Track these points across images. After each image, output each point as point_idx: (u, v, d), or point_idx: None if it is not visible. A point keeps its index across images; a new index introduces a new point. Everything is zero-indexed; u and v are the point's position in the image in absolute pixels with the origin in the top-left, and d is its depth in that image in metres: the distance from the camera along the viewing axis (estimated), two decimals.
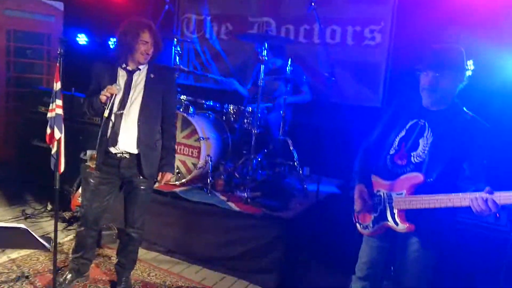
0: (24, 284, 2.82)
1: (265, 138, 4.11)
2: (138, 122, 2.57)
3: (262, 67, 3.52)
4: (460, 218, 2.83)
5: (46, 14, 5.72)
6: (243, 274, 3.24)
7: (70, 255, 2.94)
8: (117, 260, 2.91)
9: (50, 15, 5.73)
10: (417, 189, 2.03)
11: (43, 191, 4.28)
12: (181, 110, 3.83)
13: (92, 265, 2.98)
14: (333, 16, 4.53)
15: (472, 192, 1.82)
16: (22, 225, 1.80)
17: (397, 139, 2.19)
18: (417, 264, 2.13)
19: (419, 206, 1.99)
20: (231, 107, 4.04)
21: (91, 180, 2.69)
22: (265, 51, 3.52)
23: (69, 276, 2.80)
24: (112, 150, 2.58)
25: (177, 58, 4.22)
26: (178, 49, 4.23)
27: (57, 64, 2.36)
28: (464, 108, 2.10)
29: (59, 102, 2.35)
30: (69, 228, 3.78)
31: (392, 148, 2.19)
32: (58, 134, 2.34)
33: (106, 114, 2.44)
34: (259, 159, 3.85)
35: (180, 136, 3.66)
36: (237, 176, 3.92)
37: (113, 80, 2.52)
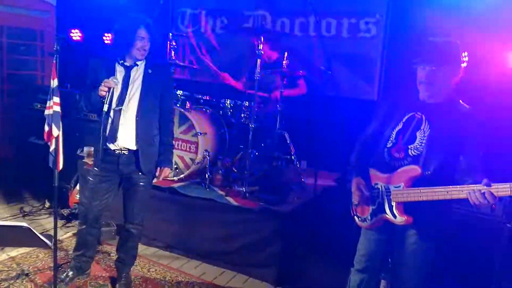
0: (24, 282, 2.83)
1: (262, 132, 4.11)
2: (136, 117, 2.57)
3: (259, 61, 3.51)
4: (456, 209, 2.86)
5: (39, 10, 5.65)
6: (242, 268, 3.27)
7: (70, 253, 2.95)
8: (117, 256, 2.92)
9: (43, 10, 5.66)
10: (415, 182, 2.05)
11: (41, 189, 4.28)
12: (178, 105, 3.83)
13: (93, 261, 2.99)
14: (328, 8, 4.52)
15: (470, 185, 1.84)
16: (24, 224, 1.81)
17: (394, 132, 2.20)
18: (415, 256, 2.15)
19: (417, 198, 2.01)
20: (228, 102, 4.04)
21: (90, 178, 2.68)
22: (261, 45, 3.51)
23: (70, 273, 2.81)
24: (111, 146, 2.57)
25: (172, 52, 4.20)
26: (173, 43, 4.21)
27: (54, 61, 2.34)
28: (460, 101, 2.12)
29: (56, 99, 2.33)
30: (67, 225, 3.79)
31: (389, 141, 2.21)
32: (56, 131, 2.33)
33: (105, 108, 2.43)
34: (257, 153, 3.86)
35: (177, 131, 3.66)
36: (235, 170, 3.93)
37: (111, 75, 2.51)
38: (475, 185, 1.82)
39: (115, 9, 4.73)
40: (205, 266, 3.34)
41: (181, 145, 3.74)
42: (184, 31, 5.35)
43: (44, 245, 2.07)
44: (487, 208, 2.81)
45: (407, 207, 2.08)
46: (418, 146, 2.10)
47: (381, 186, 2.18)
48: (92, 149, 2.73)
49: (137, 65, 2.59)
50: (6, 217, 3.90)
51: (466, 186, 1.85)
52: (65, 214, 3.89)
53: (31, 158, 4.50)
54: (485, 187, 1.79)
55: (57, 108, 2.35)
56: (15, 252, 3.19)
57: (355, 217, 2.33)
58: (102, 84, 2.42)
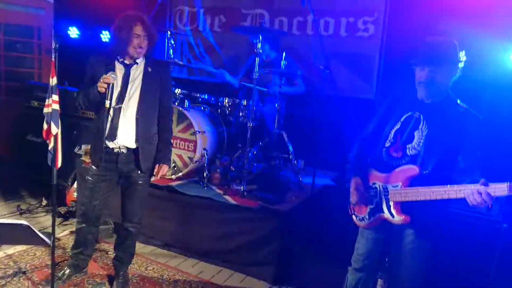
0: (21, 280, 2.82)
1: (260, 131, 4.12)
2: (136, 115, 2.56)
3: (257, 59, 3.51)
4: (454, 209, 2.88)
5: (36, 7, 5.63)
6: (240, 267, 3.27)
7: (68, 251, 2.94)
8: (114, 254, 2.91)
9: (40, 8, 5.64)
10: (413, 181, 2.06)
11: (38, 186, 4.27)
12: (176, 104, 3.82)
13: (90, 260, 2.99)
14: (326, 7, 4.52)
15: (467, 184, 1.85)
16: (23, 221, 1.81)
17: (393, 132, 2.21)
18: (412, 255, 2.16)
19: (415, 198, 2.02)
20: (226, 101, 4.04)
21: (89, 178, 2.68)
22: (260, 43, 3.51)
23: (67, 271, 2.81)
24: (110, 145, 2.57)
25: (171, 51, 4.19)
26: (172, 42, 4.21)
27: (53, 59, 2.34)
28: (458, 101, 2.13)
29: (55, 97, 2.33)
30: (64, 223, 3.78)
31: (387, 141, 2.22)
32: (55, 129, 2.33)
33: (107, 104, 2.42)
34: (255, 152, 3.87)
35: (175, 130, 3.65)
36: (233, 169, 3.93)
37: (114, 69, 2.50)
38: (472, 185, 1.83)
39: (113, 7, 4.71)
40: (202, 264, 3.34)
41: (179, 143, 3.74)
42: (182, 29, 5.34)
43: (43, 243, 2.06)
44: (484, 208, 2.82)
45: (404, 207, 2.09)
46: (416, 146, 2.11)
47: (379, 186, 2.19)
48: (90, 147, 2.71)
49: (137, 63, 2.59)
50: (4, 214, 3.89)
51: (463, 185, 1.86)
52: (62, 212, 3.89)
53: (28, 155, 4.49)
54: (482, 186, 1.80)
55: (56, 106, 2.34)
56: (12, 249, 3.18)
57: (353, 216, 2.34)
58: (101, 80, 2.41)
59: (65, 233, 3.59)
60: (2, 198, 4.24)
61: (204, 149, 3.70)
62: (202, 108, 4.14)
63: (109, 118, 2.52)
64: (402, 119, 2.19)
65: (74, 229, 3.10)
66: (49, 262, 2.91)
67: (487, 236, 2.81)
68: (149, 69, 2.60)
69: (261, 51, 3.53)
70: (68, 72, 3.73)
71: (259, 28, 3.67)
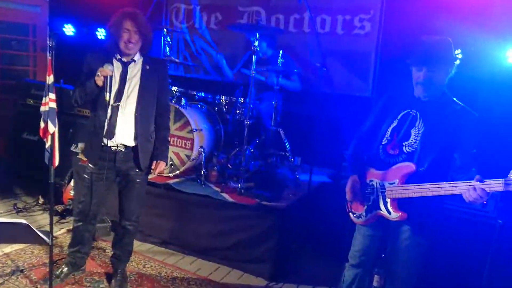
0: (19, 278, 2.82)
1: (257, 128, 4.13)
2: (135, 114, 2.56)
3: (254, 57, 3.51)
4: (449, 205, 2.90)
5: (31, 4, 5.60)
6: (238, 264, 3.29)
7: (65, 249, 2.94)
8: (112, 252, 2.92)
9: (35, 5, 5.61)
10: (409, 178, 2.08)
11: (34, 185, 4.26)
12: (173, 101, 3.82)
13: (88, 258, 2.99)
14: (323, 5, 4.53)
15: (463, 181, 1.86)
16: (23, 220, 1.81)
17: (389, 130, 2.23)
18: (408, 251, 2.19)
19: (411, 195, 2.04)
20: (223, 98, 4.04)
21: (86, 176, 2.67)
22: (256, 41, 3.51)
23: (65, 269, 2.81)
24: (108, 143, 2.55)
25: (167, 48, 4.19)
26: (168, 39, 4.20)
27: (49, 58, 2.33)
28: (454, 98, 2.15)
29: (52, 95, 2.32)
30: (61, 221, 3.77)
31: (384, 138, 2.23)
32: (52, 128, 2.32)
33: (107, 97, 2.40)
34: (252, 150, 3.87)
35: (173, 128, 3.65)
36: (230, 167, 3.93)
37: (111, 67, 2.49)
38: (468, 181, 1.85)
39: (108, 4, 4.69)
40: (200, 262, 3.35)
41: (176, 141, 3.74)
42: (178, 26, 5.33)
43: (42, 242, 2.07)
44: (479, 205, 2.85)
45: (401, 203, 2.11)
46: (412, 143, 2.13)
47: (376, 183, 2.20)
48: (86, 145, 2.71)
49: (134, 61, 2.58)
50: (0, 213, 3.88)
51: (459, 182, 1.88)
52: (59, 210, 3.88)
53: (24, 154, 4.47)
54: (478, 183, 1.82)
55: (53, 105, 2.34)
56: (9, 248, 3.18)
57: (350, 213, 2.35)
58: (98, 73, 2.39)
59: (62, 232, 3.58)
60: None
61: (201, 147, 3.70)
62: (199, 106, 4.14)
63: (108, 116, 2.50)
64: (399, 117, 2.21)
65: (71, 227, 3.10)
66: (46, 261, 2.92)
67: (482, 232, 2.84)
68: (147, 67, 2.60)
69: (258, 48, 3.53)
70: (64, 70, 3.70)
71: (255, 26, 3.67)
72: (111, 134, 2.53)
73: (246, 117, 3.60)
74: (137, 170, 2.64)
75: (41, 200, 4.10)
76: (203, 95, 4.15)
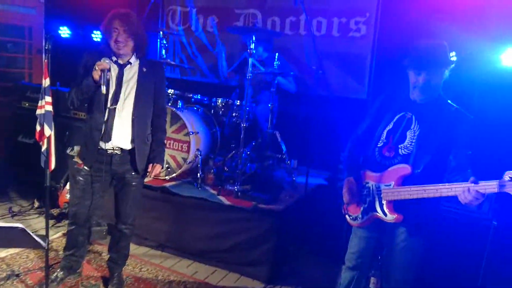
0: (15, 283, 2.80)
1: (253, 131, 4.13)
2: (132, 116, 2.55)
3: (250, 60, 3.52)
4: (445, 207, 2.92)
5: (27, 7, 5.58)
6: (235, 266, 3.28)
7: (60, 253, 2.92)
8: (108, 256, 2.90)
9: (30, 7, 5.59)
10: (405, 180, 2.09)
11: (29, 188, 4.24)
12: (170, 104, 3.82)
13: (84, 261, 2.98)
14: (319, 7, 4.55)
15: (458, 183, 1.88)
16: (19, 225, 1.80)
17: (385, 132, 2.24)
18: (404, 253, 2.20)
19: (407, 196, 2.05)
20: (219, 101, 4.05)
21: (80, 178, 2.65)
22: (253, 44, 3.52)
23: (60, 273, 2.79)
24: (104, 146, 2.55)
25: (163, 51, 4.19)
26: (164, 42, 4.20)
27: (45, 61, 2.32)
28: (449, 101, 2.16)
29: (48, 98, 2.32)
30: (57, 225, 3.75)
31: (380, 141, 2.25)
32: (48, 131, 2.32)
33: (103, 91, 2.39)
34: (248, 152, 3.88)
35: (169, 130, 3.65)
36: (227, 169, 3.94)
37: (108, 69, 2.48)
38: (463, 183, 1.86)
39: (104, 7, 4.68)
40: (197, 265, 3.34)
41: (173, 144, 3.73)
42: (174, 29, 5.33)
43: (38, 246, 2.05)
44: (474, 206, 2.86)
45: (397, 205, 2.12)
46: (408, 145, 2.14)
47: (372, 185, 2.21)
48: (81, 147, 2.70)
49: (130, 63, 2.58)
50: None
51: (454, 184, 1.89)
52: (55, 214, 3.86)
53: (19, 157, 4.45)
54: (472, 184, 1.83)
55: (49, 108, 2.33)
56: (4, 252, 3.16)
57: (346, 215, 2.36)
58: (95, 67, 2.38)
59: (58, 235, 3.56)
60: None
61: (198, 149, 3.70)
62: (195, 108, 4.14)
63: (104, 119, 2.49)
64: (395, 119, 2.22)
65: (66, 231, 3.08)
66: (42, 265, 2.90)
67: (477, 233, 2.86)
68: (144, 70, 2.59)
69: (254, 51, 3.54)
70: (60, 73, 3.70)
71: (252, 28, 3.68)
72: (108, 137, 2.52)
73: (242, 120, 3.60)
74: (133, 173, 2.64)
75: (36, 204, 4.07)
76: (199, 97, 4.15)
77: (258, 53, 4.20)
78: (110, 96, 2.50)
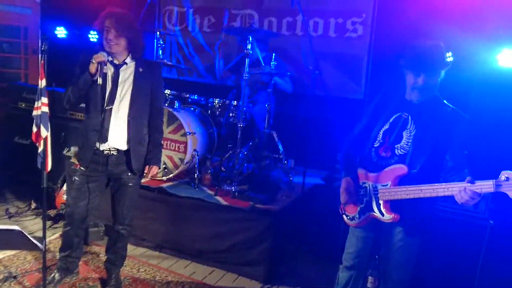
0: (12, 284, 2.79)
1: (250, 131, 4.13)
2: (128, 117, 2.55)
3: (247, 61, 3.52)
4: (442, 206, 2.93)
5: (22, 6, 5.56)
6: (232, 267, 3.29)
7: (57, 254, 2.92)
8: (106, 257, 2.90)
9: (26, 7, 5.57)
10: (402, 180, 2.10)
11: (26, 189, 4.23)
12: (166, 105, 3.82)
13: (81, 262, 2.97)
14: (315, 8, 4.56)
15: (455, 183, 1.89)
16: (16, 227, 1.80)
17: (381, 132, 2.25)
18: (401, 252, 2.21)
19: (404, 196, 2.06)
20: (216, 101, 4.04)
21: (76, 178, 2.65)
22: (249, 44, 3.52)
23: (57, 275, 2.78)
24: (100, 146, 2.55)
25: (160, 51, 4.18)
26: (161, 42, 4.19)
27: (42, 62, 2.31)
28: (445, 101, 2.18)
29: (44, 100, 2.31)
30: (54, 226, 3.74)
31: (376, 141, 2.25)
32: (45, 132, 2.31)
33: (100, 82, 2.39)
34: (245, 153, 3.87)
35: (166, 131, 3.64)
36: (224, 170, 3.94)
37: (101, 72, 2.47)
38: (460, 183, 1.87)
39: (101, 7, 4.67)
40: (194, 265, 3.34)
41: (170, 144, 3.73)
42: (171, 29, 5.33)
43: (35, 248, 2.05)
44: (471, 205, 2.88)
45: (394, 205, 2.13)
46: (404, 146, 2.15)
47: (369, 185, 2.22)
48: (78, 147, 2.69)
49: (126, 63, 2.57)
50: None
51: (451, 184, 1.91)
52: (52, 215, 3.85)
53: (15, 158, 4.44)
54: (469, 184, 1.84)
55: (46, 109, 2.33)
56: (1, 254, 3.14)
57: (344, 215, 2.37)
58: (92, 60, 2.38)
59: (55, 236, 3.55)
60: None
61: (195, 150, 3.70)
62: (192, 109, 4.13)
63: (100, 120, 2.49)
64: (391, 120, 2.23)
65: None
66: (39, 266, 2.90)
67: (474, 233, 2.87)
68: (140, 70, 2.59)
69: (251, 52, 3.54)
70: (56, 73, 3.69)
71: (248, 29, 3.69)
72: (104, 138, 2.52)
73: (239, 120, 3.60)
74: (129, 174, 2.64)
75: (33, 205, 4.06)
76: (196, 98, 4.15)
77: (255, 53, 4.20)
78: (106, 96, 2.49)
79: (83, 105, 2.62)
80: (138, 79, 2.57)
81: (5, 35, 5.47)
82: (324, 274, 3.15)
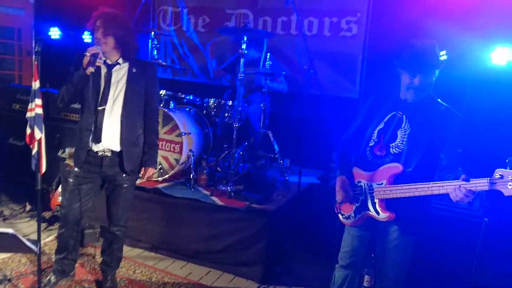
0: (7, 287, 2.78)
1: (246, 131, 4.13)
2: (121, 118, 2.54)
3: (242, 60, 3.52)
4: (437, 204, 2.94)
5: (16, 7, 5.53)
6: (229, 267, 3.28)
7: (53, 256, 2.90)
8: (102, 259, 2.89)
9: (20, 8, 5.54)
10: (397, 179, 2.10)
11: (20, 191, 4.20)
12: (162, 105, 3.81)
13: (77, 264, 2.95)
14: (310, 7, 4.56)
15: (450, 181, 1.89)
16: (10, 230, 1.79)
17: (376, 131, 2.25)
18: (397, 251, 2.21)
19: (399, 195, 2.06)
20: (211, 101, 4.04)
21: (71, 180, 2.64)
22: (245, 44, 3.52)
23: (53, 277, 2.76)
24: (94, 147, 2.54)
25: (155, 51, 4.17)
26: (156, 42, 4.18)
27: (35, 63, 2.31)
28: (439, 99, 2.18)
29: (38, 101, 2.30)
30: (49, 228, 3.72)
31: (371, 140, 2.26)
32: (39, 134, 2.30)
33: (92, 69, 2.38)
34: (241, 153, 3.87)
35: (161, 131, 3.64)
36: (220, 170, 3.93)
37: (96, 72, 2.48)
38: (454, 181, 1.88)
39: (94, 8, 4.65)
40: (191, 266, 3.34)
41: (165, 145, 3.72)
42: (166, 29, 5.31)
43: (29, 251, 2.04)
44: (465, 203, 2.89)
45: (389, 204, 2.14)
46: (399, 144, 2.16)
47: (364, 184, 2.22)
48: (73, 150, 2.68)
49: (119, 63, 2.56)
50: None
51: (446, 182, 1.91)
52: (47, 217, 3.82)
53: (10, 159, 4.41)
54: (464, 182, 1.84)
55: (39, 111, 2.31)
56: None
57: (339, 214, 2.37)
58: (86, 53, 2.38)
59: (50, 239, 3.53)
60: None
61: (190, 150, 3.69)
62: (187, 109, 4.12)
63: (93, 120, 2.49)
64: (386, 119, 2.24)
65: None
66: (34, 269, 2.88)
67: (469, 230, 2.89)
68: (134, 70, 2.58)
69: (245, 51, 3.54)
70: (50, 74, 3.67)
71: (243, 29, 3.68)
72: (97, 139, 2.51)
73: (234, 120, 3.60)
74: (124, 175, 2.63)
75: (28, 207, 4.04)
76: (191, 98, 4.14)
77: (250, 52, 4.20)
78: (99, 96, 2.48)
79: (78, 106, 2.61)
80: (131, 79, 2.57)
81: None
82: (321, 273, 3.15)
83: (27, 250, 1.99)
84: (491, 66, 3.39)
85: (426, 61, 2.06)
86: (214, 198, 3.41)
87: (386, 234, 2.23)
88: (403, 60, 2.11)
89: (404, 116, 2.18)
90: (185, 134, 3.65)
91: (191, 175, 3.64)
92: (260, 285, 3.16)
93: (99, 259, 3.05)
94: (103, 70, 2.54)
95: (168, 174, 3.71)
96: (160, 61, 4.14)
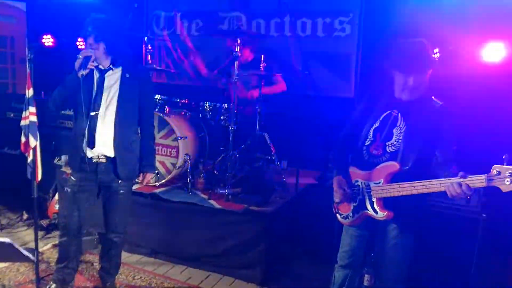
0: None
1: (242, 133, 4.12)
2: (114, 123, 2.53)
3: (236, 63, 3.52)
4: (434, 202, 2.95)
5: (7, 16, 5.51)
6: (228, 270, 3.28)
7: (52, 265, 2.89)
8: (100, 265, 2.87)
9: (11, 16, 5.52)
10: (394, 177, 2.11)
11: (17, 200, 4.17)
12: (157, 109, 3.80)
13: (76, 273, 2.93)
14: (303, 8, 4.58)
15: (447, 178, 1.90)
16: (6, 239, 1.77)
17: (372, 130, 2.25)
18: (396, 249, 2.21)
19: (397, 193, 2.07)
20: (207, 105, 4.03)
21: (68, 188, 2.63)
22: (238, 46, 3.52)
23: (53, 286, 2.74)
24: (88, 154, 2.53)
25: (149, 56, 4.16)
26: (149, 47, 4.17)
27: (28, 71, 2.29)
28: (433, 97, 2.19)
29: (32, 109, 2.29)
30: (47, 236, 3.70)
31: (367, 139, 2.26)
32: (34, 142, 2.29)
33: (83, 72, 2.38)
34: (237, 155, 3.87)
35: (157, 136, 3.62)
36: (217, 173, 3.92)
37: (89, 79, 2.48)
38: (452, 178, 1.88)
39: (88, 13, 4.64)
40: (190, 270, 3.32)
41: (161, 150, 3.71)
42: (159, 34, 5.31)
43: (27, 260, 2.02)
44: (462, 200, 2.90)
45: (387, 203, 2.14)
46: (395, 143, 2.16)
47: (361, 183, 2.22)
48: (69, 156, 2.67)
49: (112, 69, 2.55)
50: None
51: (443, 179, 1.92)
52: (44, 225, 3.80)
53: (5, 168, 4.38)
54: (461, 179, 1.85)
55: (34, 118, 2.30)
56: None
57: (337, 214, 2.37)
58: (79, 56, 2.39)
59: (48, 247, 3.51)
60: None
61: (187, 154, 3.68)
62: (183, 113, 4.12)
63: (87, 126, 2.48)
64: (381, 118, 2.24)
65: (57, 242, 3.04)
66: (33, 278, 2.86)
67: (467, 227, 2.89)
68: (127, 75, 2.57)
69: (239, 54, 3.54)
70: (44, 81, 3.66)
71: (236, 31, 3.69)
72: (91, 143, 2.50)
73: (230, 123, 3.59)
74: (119, 181, 2.61)
75: (25, 216, 4.02)
76: (186, 102, 4.13)
77: (244, 55, 4.20)
78: (92, 102, 2.48)
79: (72, 113, 2.60)
80: (124, 84, 2.56)
81: None
82: (321, 273, 3.15)
83: (24, 259, 1.97)
84: (483, 63, 3.41)
85: (419, 61, 2.07)
86: (212, 202, 3.41)
87: (385, 233, 2.23)
88: (396, 61, 2.11)
89: (399, 114, 2.18)
90: (181, 138, 3.64)
91: (188, 179, 3.63)
92: (260, 287, 3.16)
93: (97, 265, 3.04)
94: (96, 75, 2.53)
95: (165, 178, 3.70)
96: (154, 65, 4.13)
